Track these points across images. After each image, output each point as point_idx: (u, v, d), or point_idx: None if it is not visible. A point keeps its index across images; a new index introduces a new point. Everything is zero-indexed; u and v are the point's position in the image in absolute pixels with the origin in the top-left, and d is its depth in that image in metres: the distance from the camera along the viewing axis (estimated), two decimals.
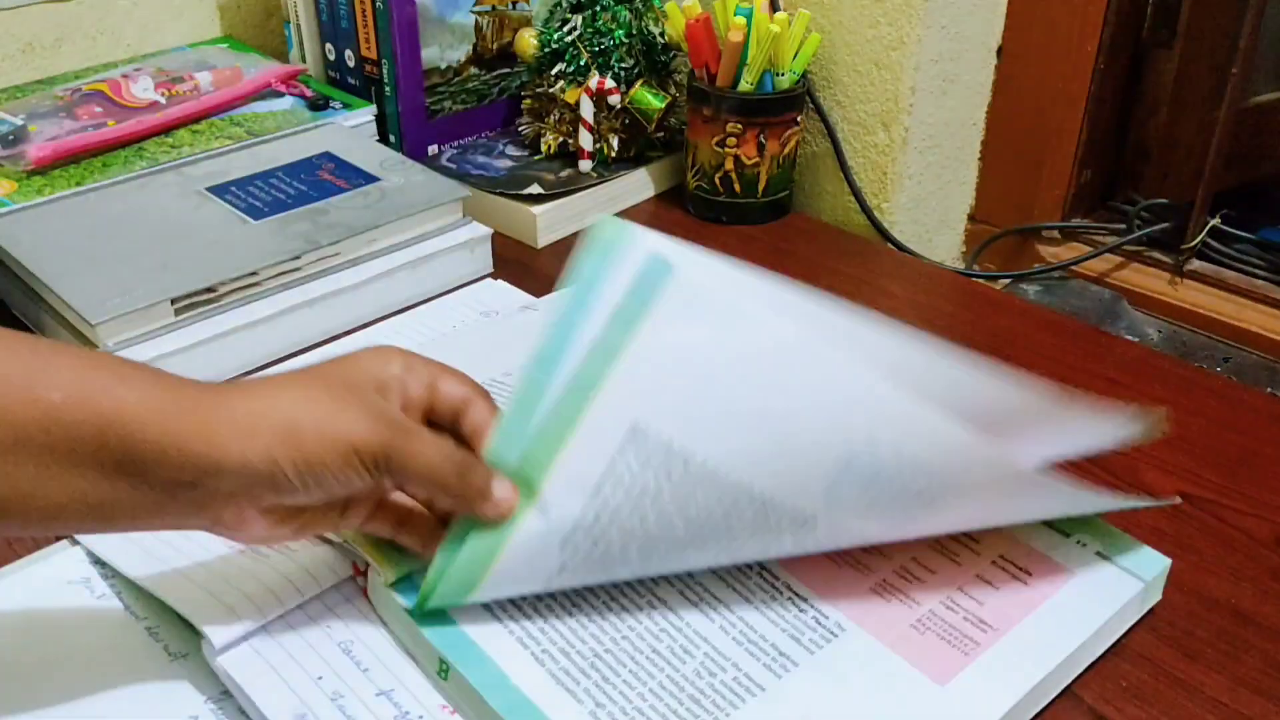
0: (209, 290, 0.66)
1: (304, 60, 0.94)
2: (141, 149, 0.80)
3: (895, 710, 0.44)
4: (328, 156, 0.80)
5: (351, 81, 0.92)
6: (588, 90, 0.85)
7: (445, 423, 0.46)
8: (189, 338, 0.65)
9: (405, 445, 0.42)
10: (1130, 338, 0.84)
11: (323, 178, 0.77)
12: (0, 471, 0.38)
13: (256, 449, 0.40)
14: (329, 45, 0.93)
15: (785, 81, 0.83)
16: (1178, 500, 0.58)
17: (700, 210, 0.87)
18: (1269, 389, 0.78)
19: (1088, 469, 0.60)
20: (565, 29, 0.87)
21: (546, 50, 0.87)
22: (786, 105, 0.83)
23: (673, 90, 0.90)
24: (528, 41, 0.89)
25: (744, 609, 0.48)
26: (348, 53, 0.91)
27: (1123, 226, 0.91)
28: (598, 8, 0.86)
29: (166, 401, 0.40)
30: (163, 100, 0.85)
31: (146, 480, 0.39)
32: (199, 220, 0.72)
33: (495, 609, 0.47)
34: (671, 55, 0.90)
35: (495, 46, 0.93)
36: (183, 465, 0.39)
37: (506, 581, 0.46)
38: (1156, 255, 0.90)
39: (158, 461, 0.39)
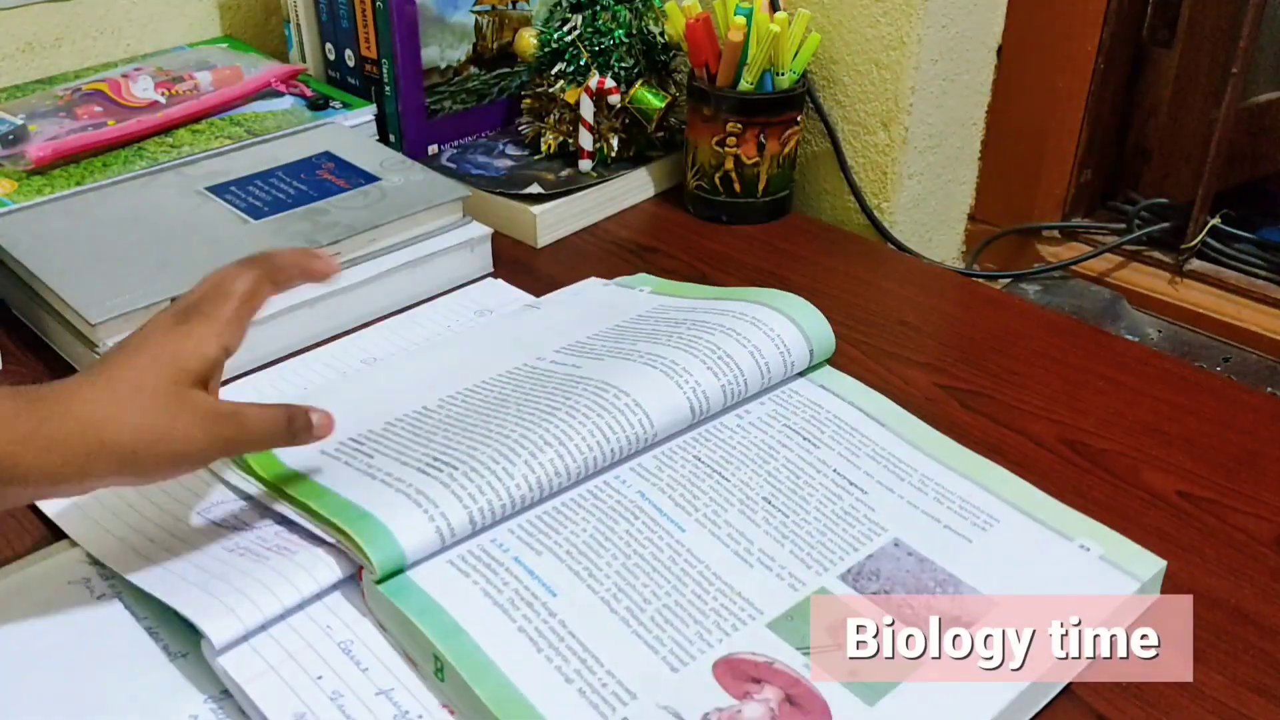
0: None
1: (304, 60, 0.94)
2: (141, 149, 0.80)
3: None
4: (328, 156, 0.80)
5: (351, 81, 0.92)
6: (588, 90, 0.85)
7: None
8: None
9: (239, 436, 0.47)
10: (1130, 337, 0.84)
11: (323, 177, 0.77)
12: None
13: (95, 474, 0.44)
14: (329, 45, 0.93)
15: (785, 81, 0.83)
16: None
17: (700, 210, 0.87)
18: (1269, 389, 0.78)
19: (1088, 469, 0.60)
20: (565, 29, 0.87)
21: (546, 50, 0.87)
22: (786, 105, 0.83)
23: (673, 90, 0.90)
24: (528, 41, 0.89)
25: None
26: (348, 52, 0.91)
27: (1123, 226, 0.91)
28: (598, 7, 0.86)
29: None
30: (163, 100, 0.85)
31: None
32: (199, 220, 0.72)
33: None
34: (671, 55, 0.90)
35: (495, 46, 0.93)
36: (25, 490, 0.43)
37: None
38: (1156, 255, 0.90)
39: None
